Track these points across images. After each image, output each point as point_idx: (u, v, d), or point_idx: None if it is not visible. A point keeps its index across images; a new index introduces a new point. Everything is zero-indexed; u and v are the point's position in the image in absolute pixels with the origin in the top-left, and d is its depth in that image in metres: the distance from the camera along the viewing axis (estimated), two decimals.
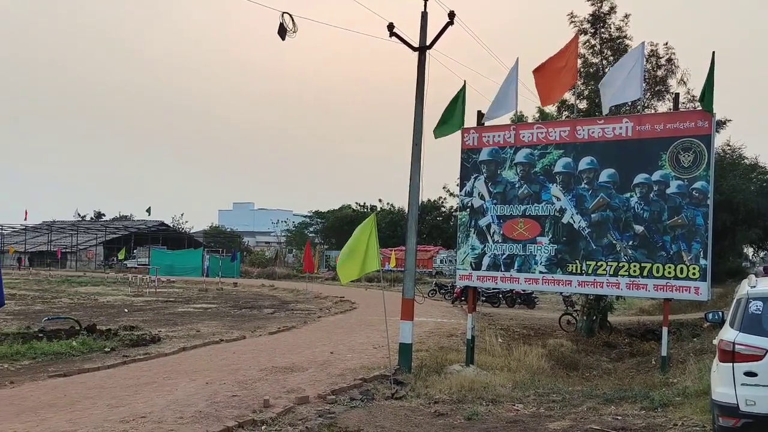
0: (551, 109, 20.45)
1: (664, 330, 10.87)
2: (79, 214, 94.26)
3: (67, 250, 70.92)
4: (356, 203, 71.15)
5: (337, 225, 63.62)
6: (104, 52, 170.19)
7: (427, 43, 12.04)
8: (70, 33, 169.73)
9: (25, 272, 54.16)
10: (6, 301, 23.47)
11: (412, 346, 11.55)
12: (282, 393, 9.40)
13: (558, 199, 11.31)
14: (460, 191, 12.50)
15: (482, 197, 12.01)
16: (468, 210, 12.17)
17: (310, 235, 71.23)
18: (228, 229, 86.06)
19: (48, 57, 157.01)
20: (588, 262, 10.97)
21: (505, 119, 12.72)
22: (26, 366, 11.30)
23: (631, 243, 10.73)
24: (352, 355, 13.13)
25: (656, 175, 10.63)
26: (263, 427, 7.66)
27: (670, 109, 15.59)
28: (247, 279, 48.08)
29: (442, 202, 63.25)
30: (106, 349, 12.94)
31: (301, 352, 13.28)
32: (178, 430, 7.39)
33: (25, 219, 68.12)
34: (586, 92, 19.74)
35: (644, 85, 17.93)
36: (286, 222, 77.63)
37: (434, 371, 11.01)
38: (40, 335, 13.68)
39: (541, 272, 11.35)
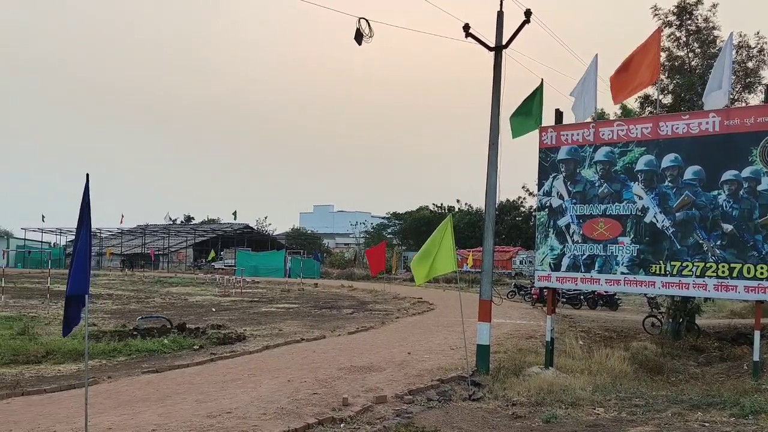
0: (634, 105, 19.82)
1: (756, 333, 10.35)
2: (170, 218, 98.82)
3: (160, 252, 74.38)
4: (433, 204, 71.17)
5: (415, 226, 63.83)
6: (185, 69, 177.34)
7: (503, 43, 11.97)
8: (155, 55, 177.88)
9: (121, 273, 57.29)
10: (103, 302, 24.98)
11: (489, 347, 11.50)
12: (360, 392, 9.58)
13: (640, 197, 10.98)
14: (538, 191, 12.33)
15: (561, 197, 11.82)
16: (546, 210, 11.99)
17: (388, 236, 71.72)
18: (309, 231, 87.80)
19: (133, 76, 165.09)
20: (672, 263, 10.59)
21: (585, 117, 12.45)
22: (122, 362, 12.00)
23: (719, 243, 10.29)
24: (429, 356, 13.19)
25: (746, 172, 10.14)
26: (342, 425, 7.84)
27: (762, 101, 14.80)
28: (327, 280, 48.98)
29: (522, 202, 62.31)
30: (195, 347, 13.54)
31: (379, 352, 13.46)
32: (261, 425, 7.66)
33: (121, 222, 71.82)
34: (670, 86, 19.02)
35: (733, 77, 17.11)
36: (364, 224, 78.53)
37: (512, 373, 10.92)
38: (135, 333, 14.48)
39: (622, 273, 11.05)
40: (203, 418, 7.98)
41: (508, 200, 62.54)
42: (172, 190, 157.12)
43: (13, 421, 7.77)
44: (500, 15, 11.97)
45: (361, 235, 77.70)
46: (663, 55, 17.43)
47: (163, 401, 8.88)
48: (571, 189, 11.71)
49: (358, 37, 11.46)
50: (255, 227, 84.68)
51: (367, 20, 11.46)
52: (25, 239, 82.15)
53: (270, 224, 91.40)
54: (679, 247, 10.55)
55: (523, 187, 56.53)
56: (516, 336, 16.60)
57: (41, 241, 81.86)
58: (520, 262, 52.44)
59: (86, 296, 6.01)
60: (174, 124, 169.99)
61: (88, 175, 5.92)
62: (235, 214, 70.05)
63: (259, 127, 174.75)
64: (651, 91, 17.88)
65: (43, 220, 79.00)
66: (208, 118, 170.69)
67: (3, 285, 27.61)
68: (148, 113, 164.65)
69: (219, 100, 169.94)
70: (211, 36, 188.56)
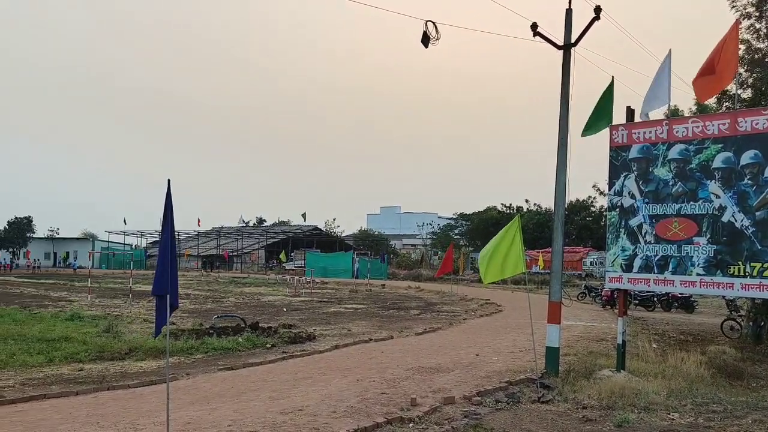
0: (710, 100, 19.06)
1: None
2: (243, 221, 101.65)
3: (234, 254, 76.58)
4: (502, 204, 70.40)
5: (482, 227, 63.27)
6: (248, 78, 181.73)
7: (572, 41, 11.80)
8: (226, 63, 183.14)
9: (198, 273, 59.33)
10: (181, 301, 25.93)
11: (559, 350, 11.35)
12: (428, 392, 9.65)
13: (717, 196, 10.59)
14: (609, 190, 12.07)
15: (632, 196, 11.53)
16: (617, 210, 11.73)
17: (455, 237, 71.38)
18: (376, 233, 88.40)
19: (204, 86, 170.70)
20: (752, 264, 10.16)
21: (659, 114, 12.14)
22: (199, 359, 12.48)
23: None
24: (497, 357, 13.13)
25: None
26: (410, 425, 7.93)
27: None
28: (394, 281, 49.18)
29: (592, 202, 60.89)
30: (268, 346, 13.94)
31: (446, 354, 13.49)
32: (331, 423, 7.84)
33: (198, 225, 74.31)
34: (750, 80, 18.20)
35: None
36: (431, 224, 78.41)
37: (582, 376, 10.74)
38: (211, 332, 15.01)
39: (698, 274, 10.69)
40: (276, 414, 8.23)
41: (578, 200, 61.23)
42: (245, 194, 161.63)
43: (100, 414, 8.25)
44: (569, 12, 11.81)
45: (428, 236, 77.64)
46: (741, 47, 16.72)
47: (238, 397, 9.21)
48: (643, 188, 11.41)
49: (425, 40, 11.53)
50: (323, 229, 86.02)
51: (434, 23, 11.52)
52: (108, 242, 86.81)
53: (338, 226, 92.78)
54: (759, 247, 10.11)
55: (593, 187, 55.22)
56: (586, 338, 16.28)
57: (123, 244, 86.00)
58: (591, 263, 51.25)
59: (167, 297, 6.30)
60: (247, 132, 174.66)
61: (169, 180, 6.21)
62: (304, 216, 71.38)
63: (326, 130, 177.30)
64: (729, 85, 17.19)
65: (125, 224, 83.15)
66: (277, 123, 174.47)
67: (89, 285, 29.16)
68: (223, 123, 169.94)
69: (287, 104, 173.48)
70: (277, 40, 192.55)
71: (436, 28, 11.60)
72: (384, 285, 42.23)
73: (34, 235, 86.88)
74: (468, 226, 71.51)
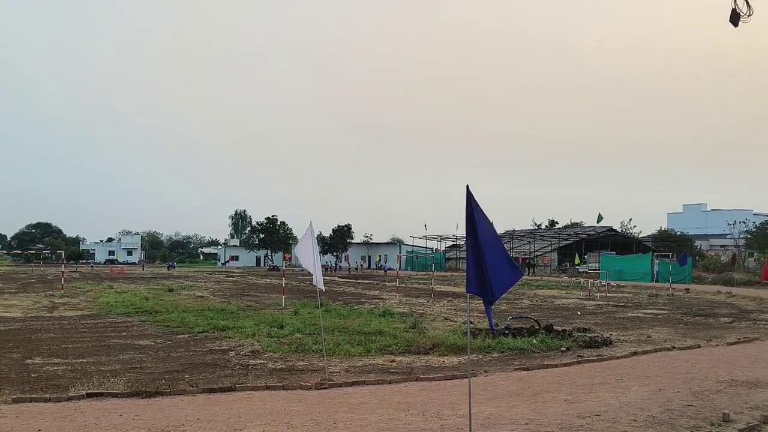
0: None
1: None
2: (535, 223, 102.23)
3: (526, 257, 77.28)
4: None
5: None
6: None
7: None
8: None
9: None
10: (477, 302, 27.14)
11: None
12: (744, 408, 8.78)
13: None
14: None
15: None
16: None
17: None
18: (678, 233, 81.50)
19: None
20: None
21: None
22: (496, 358, 13.04)
23: None
24: None
25: None
26: None
27: None
28: (699, 285, 44.91)
29: None
30: (562, 348, 13.95)
31: (766, 367, 12.04)
32: None
33: None
34: None
35: None
36: (744, 222, 69.54)
37: None
38: (506, 332, 15.53)
39: None
40: (573, 417, 8.27)
41: None
42: (536, 197, 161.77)
43: (409, 402, 9.16)
44: None
45: (741, 236, 68.96)
46: None
47: (534, 398, 9.46)
48: None
49: (735, 17, 10.43)
50: (619, 230, 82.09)
51: None
52: (413, 245, 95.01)
53: (634, 226, 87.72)
54: None
55: None
56: None
57: (425, 247, 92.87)
58: None
59: (479, 297, 6.79)
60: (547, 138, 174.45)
61: (468, 186, 6.70)
62: (599, 217, 68.85)
63: (630, 127, 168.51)
64: None
65: (425, 228, 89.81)
66: (566, 127, 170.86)
67: (397, 285, 32.26)
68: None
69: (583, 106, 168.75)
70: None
71: (747, 3, 10.46)
72: (688, 289, 38.76)
73: (352, 241, 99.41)
74: None
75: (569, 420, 8.13)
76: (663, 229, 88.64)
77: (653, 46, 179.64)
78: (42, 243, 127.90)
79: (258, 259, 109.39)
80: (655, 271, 50.30)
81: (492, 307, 7.10)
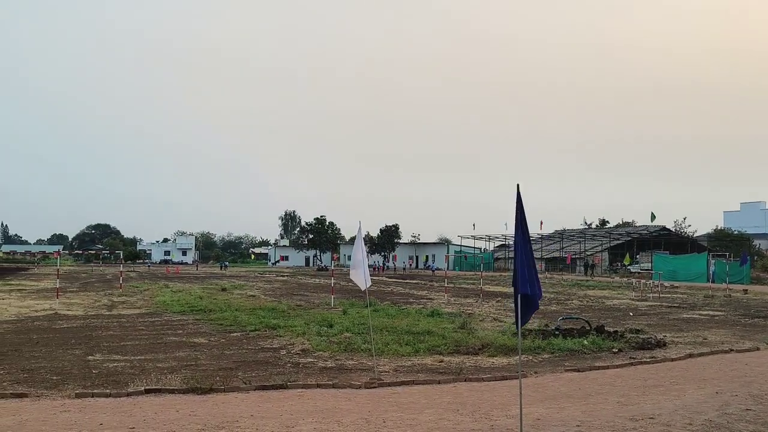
0: None
1: None
2: (585, 222, 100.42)
3: (576, 256, 76.02)
4: None
5: None
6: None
7: None
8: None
9: (541, 276, 60.33)
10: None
11: None
12: None
13: None
14: None
15: None
16: None
17: None
18: (735, 232, 78.86)
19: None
20: None
21: None
22: (546, 359, 12.91)
23: None
24: None
25: None
26: None
27: None
28: (758, 285, 43.49)
29: None
30: (614, 350, 13.72)
31: None
32: None
33: (540, 228, 75.49)
34: None
35: None
36: None
37: None
38: (557, 333, 15.35)
39: None
40: (626, 420, 8.14)
41: None
42: (589, 196, 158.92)
43: (459, 402, 9.17)
44: None
45: None
46: None
47: (586, 399, 9.35)
48: None
49: None
50: (672, 229, 79.97)
51: None
52: (461, 246, 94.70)
53: (689, 225, 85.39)
54: None
55: None
56: None
57: (473, 247, 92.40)
58: None
59: (526, 296, 6.63)
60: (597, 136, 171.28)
61: (518, 185, 6.64)
62: (652, 216, 67.21)
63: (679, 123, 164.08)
64: None
65: (474, 228, 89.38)
66: (622, 125, 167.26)
67: (446, 285, 32.23)
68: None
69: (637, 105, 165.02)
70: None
71: None
72: (746, 290, 37.54)
73: (400, 241, 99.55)
74: None
75: (621, 423, 8.01)
76: (719, 227, 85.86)
77: (718, 47, 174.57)
78: (101, 243, 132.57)
79: (307, 259, 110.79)
80: (711, 272, 48.85)
81: (537, 310, 6.95)
